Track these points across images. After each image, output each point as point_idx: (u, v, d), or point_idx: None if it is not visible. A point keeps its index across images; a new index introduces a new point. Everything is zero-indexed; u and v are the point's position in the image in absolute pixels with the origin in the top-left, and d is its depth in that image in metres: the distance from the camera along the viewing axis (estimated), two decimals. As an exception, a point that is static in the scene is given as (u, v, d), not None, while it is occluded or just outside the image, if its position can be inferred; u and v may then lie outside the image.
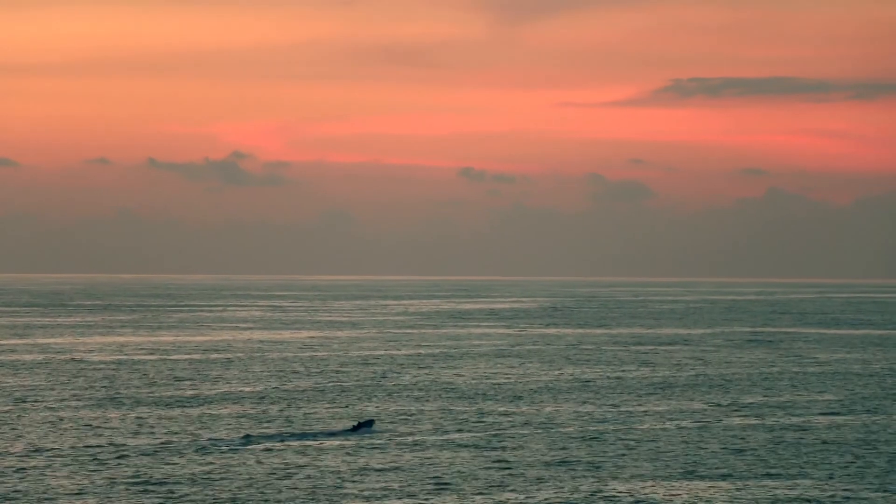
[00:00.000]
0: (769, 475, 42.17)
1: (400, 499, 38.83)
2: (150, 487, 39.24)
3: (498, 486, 40.19)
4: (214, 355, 64.49)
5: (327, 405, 52.86)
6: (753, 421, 53.09)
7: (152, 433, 47.09)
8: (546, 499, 37.60)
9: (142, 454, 44.06)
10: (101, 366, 61.84)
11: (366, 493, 38.37)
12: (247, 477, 40.79)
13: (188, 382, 55.51)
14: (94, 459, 42.73)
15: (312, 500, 38.55)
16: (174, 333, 68.88)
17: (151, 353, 68.92)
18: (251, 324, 73.41)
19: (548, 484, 40.78)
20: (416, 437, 48.22)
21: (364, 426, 47.60)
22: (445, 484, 40.14)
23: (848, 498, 39.22)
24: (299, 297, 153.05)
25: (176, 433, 46.78)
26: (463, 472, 42.26)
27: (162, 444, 45.31)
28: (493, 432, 49.09)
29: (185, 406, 51.06)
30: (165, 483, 39.42)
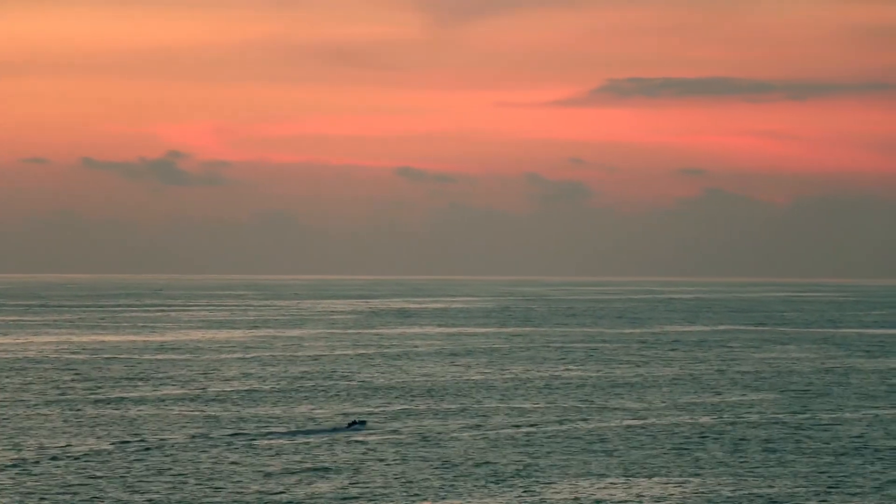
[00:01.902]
0: (702, 472, 42.20)
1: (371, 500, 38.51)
2: (133, 484, 38.67)
3: (447, 486, 39.91)
4: (152, 356, 63.91)
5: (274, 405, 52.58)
6: (688, 419, 53.15)
7: (94, 433, 46.61)
8: (486, 500, 37.44)
9: (94, 453, 43.59)
10: (41, 364, 61.23)
11: (355, 491, 38.09)
12: (229, 475, 40.23)
13: (130, 382, 55.02)
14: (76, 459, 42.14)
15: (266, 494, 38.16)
16: (112, 333, 68.36)
17: (86, 353, 68.21)
18: (190, 324, 73.12)
19: (484, 483, 40.56)
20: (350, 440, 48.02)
21: (357, 425, 47.38)
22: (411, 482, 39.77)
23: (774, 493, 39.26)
24: (225, 297, 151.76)
25: (128, 432, 46.30)
26: (408, 473, 41.94)
27: (119, 443, 44.78)
28: (435, 432, 48.87)
29: (122, 406, 50.60)
30: (145, 481, 38.89)
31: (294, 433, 47.66)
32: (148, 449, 44.12)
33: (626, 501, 38.55)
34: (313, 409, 50.93)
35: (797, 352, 75.55)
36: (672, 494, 39.35)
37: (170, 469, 41.66)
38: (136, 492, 38.74)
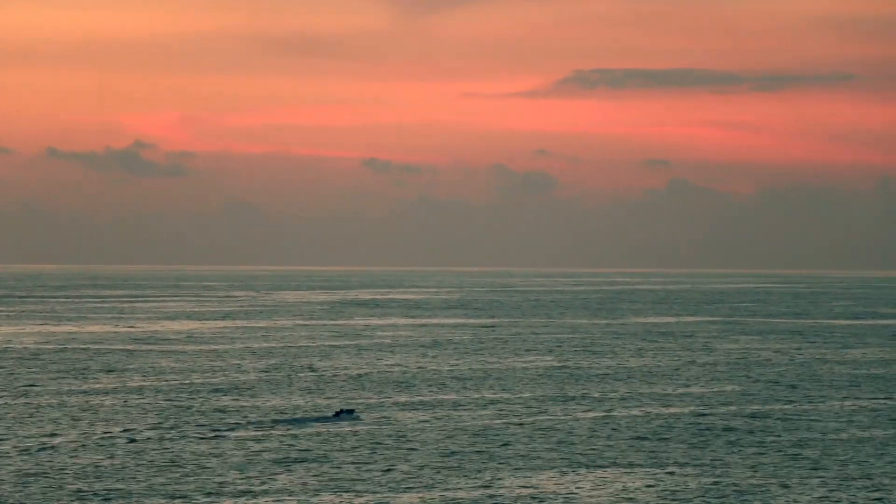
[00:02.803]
0: (667, 463, 42.92)
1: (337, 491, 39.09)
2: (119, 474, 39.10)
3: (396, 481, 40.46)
4: (122, 346, 64.05)
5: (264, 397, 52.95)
6: (654, 410, 53.83)
7: (60, 423, 46.86)
8: (444, 492, 38.10)
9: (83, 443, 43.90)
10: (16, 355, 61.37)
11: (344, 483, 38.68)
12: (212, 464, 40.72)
13: (100, 372, 55.18)
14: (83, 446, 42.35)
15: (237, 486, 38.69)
16: (79, 324, 68.20)
17: (55, 343, 68.33)
18: (157, 315, 73.14)
19: (443, 476, 41.18)
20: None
21: (344, 413, 47.67)
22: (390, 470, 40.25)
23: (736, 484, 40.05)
24: (193, 287, 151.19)
25: (104, 423, 46.64)
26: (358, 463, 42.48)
27: (101, 434, 45.19)
28: (404, 422, 49.44)
29: (105, 395, 50.91)
30: (128, 468, 39.34)
31: (277, 422, 47.92)
32: (128, 441, 44.53)
33: (592, 492, 39.22)
34: (296, 399, 51.28)
35: (763, 342, 76.15)
36: (637, 486, 40.05)
37: (147, 460, 42.14)
38: (128, 481, 39.30)
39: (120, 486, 38.76)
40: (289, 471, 41.38)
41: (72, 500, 37.45)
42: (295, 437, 46.49)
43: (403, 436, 46.47)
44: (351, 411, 47.12)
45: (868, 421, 53.64)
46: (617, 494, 39.04)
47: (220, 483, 39.08)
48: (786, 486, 40.70)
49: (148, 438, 45.12)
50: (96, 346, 58.45)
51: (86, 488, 38.08)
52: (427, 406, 52.48)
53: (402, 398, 53.90)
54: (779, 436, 48.97)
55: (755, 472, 42.77)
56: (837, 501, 39.04)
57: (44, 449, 42.41)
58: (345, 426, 47.87)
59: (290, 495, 38.32)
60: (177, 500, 37.78)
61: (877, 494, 39.69)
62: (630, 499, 38.84)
